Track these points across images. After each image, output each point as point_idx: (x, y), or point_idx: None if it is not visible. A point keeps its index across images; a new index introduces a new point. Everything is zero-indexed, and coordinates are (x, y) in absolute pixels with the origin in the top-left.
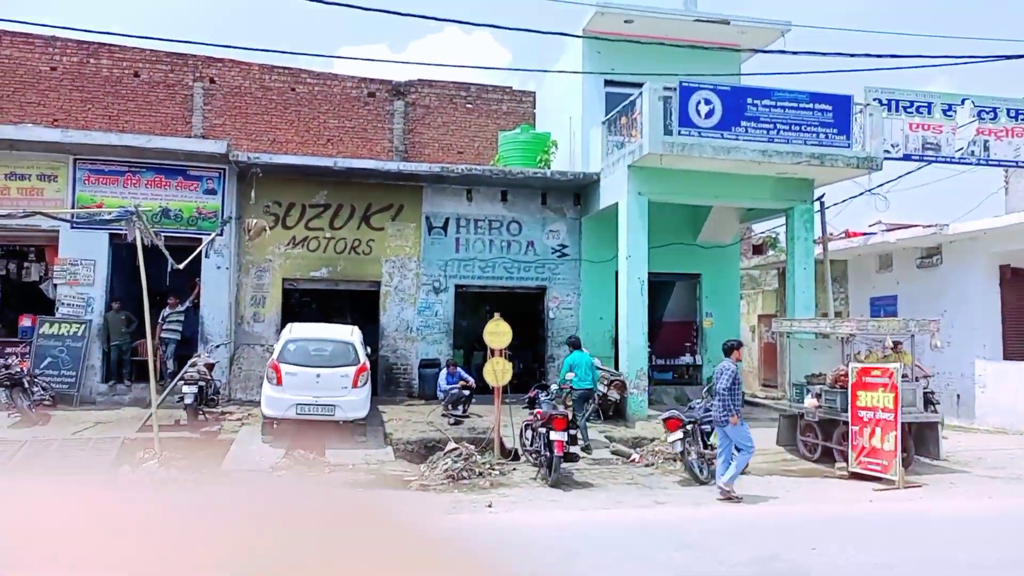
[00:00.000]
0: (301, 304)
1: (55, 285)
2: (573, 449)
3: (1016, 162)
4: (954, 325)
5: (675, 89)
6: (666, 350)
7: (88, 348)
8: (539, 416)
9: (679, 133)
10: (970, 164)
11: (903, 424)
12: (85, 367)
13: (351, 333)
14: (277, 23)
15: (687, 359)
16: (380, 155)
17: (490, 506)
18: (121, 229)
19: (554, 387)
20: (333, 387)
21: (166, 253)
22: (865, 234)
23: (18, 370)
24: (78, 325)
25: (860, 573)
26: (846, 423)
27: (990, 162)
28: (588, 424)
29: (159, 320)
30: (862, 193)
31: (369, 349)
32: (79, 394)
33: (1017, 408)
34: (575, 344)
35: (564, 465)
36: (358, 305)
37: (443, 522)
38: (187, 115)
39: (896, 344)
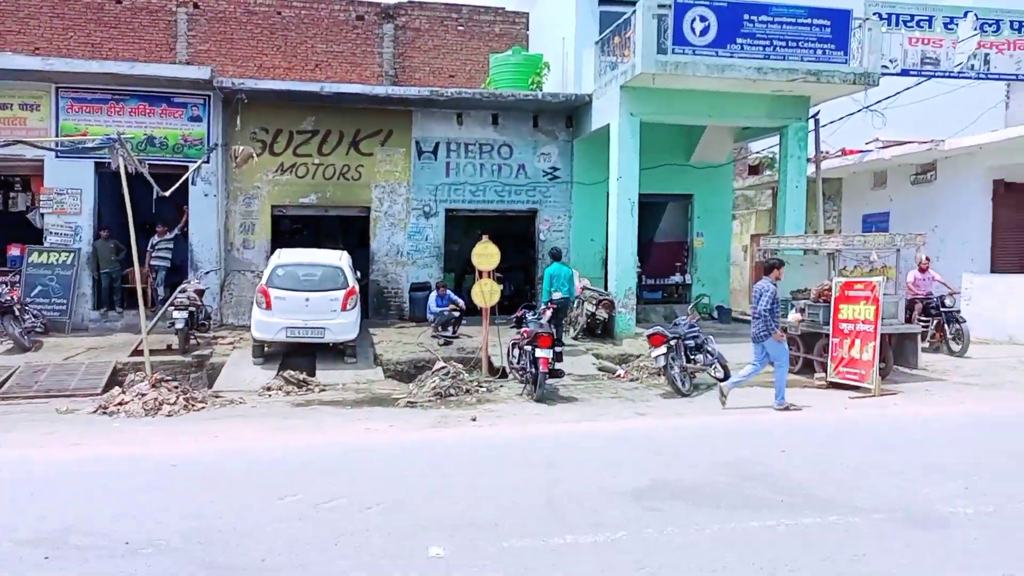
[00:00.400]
0: (291, 231)
1: (42, 215)
2: (559, 366)
3: (1017, 75)
4: (945, 240)
5: (670, 6)
6: (656, 270)
7: (78, 276)
8: (525, 335)
9: (673, 52)
10: (969, 78)
11: (883, 335)
12: (76, 295)
13: (340, 258)
14: None
15: (677, 278)
16: (369, 80)
17: (474, 419)
18: (106, 157)
19: (542, 307)
20: (322, 310)
21: (151, 181)
22: (861, 152)
23: (8, 298)
24: (67, 254)
25: (825, 472)
26: (827, 335)
27: (990, 76)
28: (576, 341)
29: (148, 248)
30: (859, 110)
31: (359, 273)
32: (71, 321)
33: (1000, 319)
34: (556, 256)
35: (550, 381)
36: (349, 230)
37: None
38: (171, 42)
39: (925, 260)
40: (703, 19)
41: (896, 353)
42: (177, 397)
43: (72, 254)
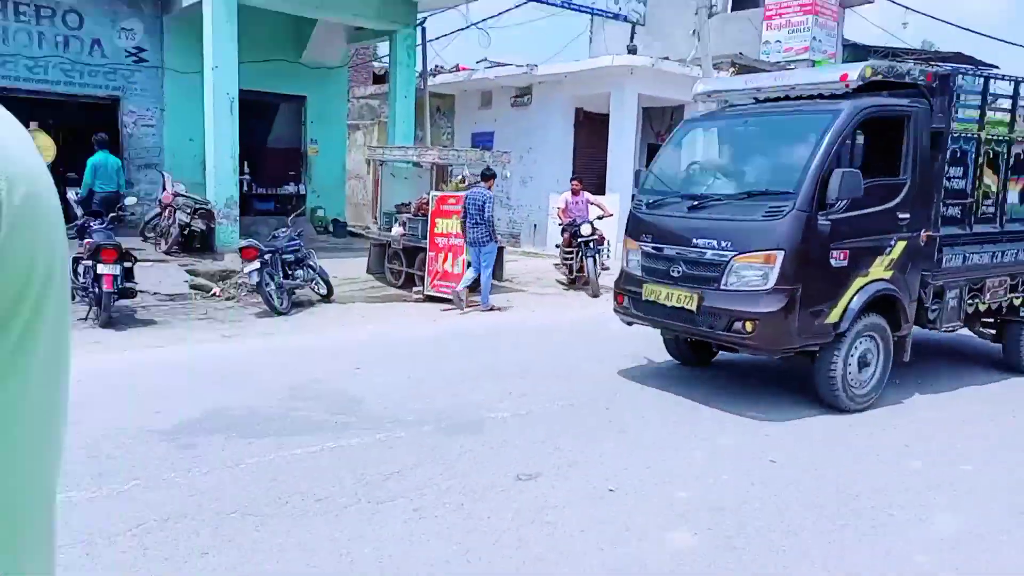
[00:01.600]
0: None
1: None
2: (130, 284)
3: (593, 9)
4: (537, 161)
5: None
6: (269, 179)
7: None
8: (87, 247)
9: None
10: (555, 6)
11: None
12: None
13: None
14: None
15: (291, 188)
16: None
17: None
18: None
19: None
20: None
21: None
22: (471, 69)
23: None
24: None
25: (388, 387)
26: (425, 249)
27: (572, 6)
28: (170, 256)
29: None
30: (468, 26)
31: None
32: None
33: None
34: (102, 143)
35: (122, 302)
36: None
37: None
38: None
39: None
40: None
41: None
42: None
43: None
